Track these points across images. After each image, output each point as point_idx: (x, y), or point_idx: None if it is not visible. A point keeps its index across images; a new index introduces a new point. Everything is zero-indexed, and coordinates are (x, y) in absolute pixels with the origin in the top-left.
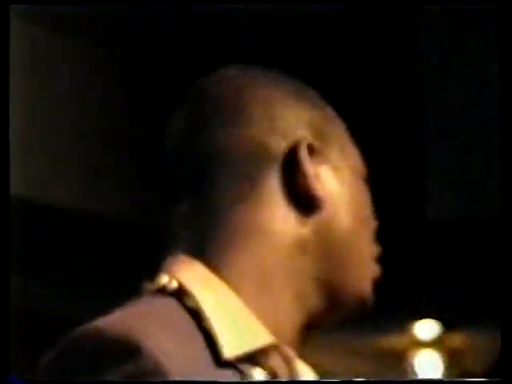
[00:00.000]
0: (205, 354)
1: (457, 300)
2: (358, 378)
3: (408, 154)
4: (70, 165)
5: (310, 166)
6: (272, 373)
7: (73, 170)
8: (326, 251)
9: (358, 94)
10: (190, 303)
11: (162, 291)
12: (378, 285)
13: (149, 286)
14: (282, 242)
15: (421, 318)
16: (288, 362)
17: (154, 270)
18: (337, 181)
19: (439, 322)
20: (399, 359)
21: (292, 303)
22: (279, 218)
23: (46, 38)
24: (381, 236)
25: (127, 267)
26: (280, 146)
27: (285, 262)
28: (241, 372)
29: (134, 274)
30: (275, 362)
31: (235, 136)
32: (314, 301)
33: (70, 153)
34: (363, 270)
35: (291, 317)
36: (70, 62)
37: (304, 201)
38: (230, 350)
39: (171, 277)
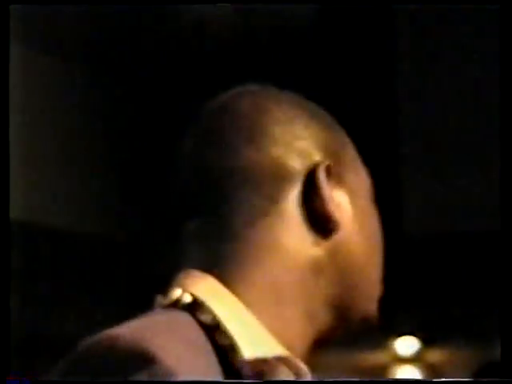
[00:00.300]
0: (216, 366)
1: (436, 316)
2: None
3: (385, 166)
4: (73, 188)
5: (327, 188)
6: None
7: (75, 193)
8: (339, 272)
9: (333, 101)
10: (203, 317)
11: (175, 305)
12: None
13: (161, 300)
14: (297, 261)
15: (400, 335)
16: (299, 375)
17: (158, 287)
18: (351, 203)
19: (419, 339)
20: (380, 375)
21: (303, 320)
22: (295, 237)
23: (43, 59)
24: None
25: (129, 286)
26: (299, 166)
27: (298, 281)
28: None
29: (135, 292)
30: (286, 375)
31: (254, 154)
32: (325, 318)
33: (73, 174)
34: (372, 290)
35: (302, 333)
36: (68, 80)
37: (321, 222)
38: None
39: (184, 291)
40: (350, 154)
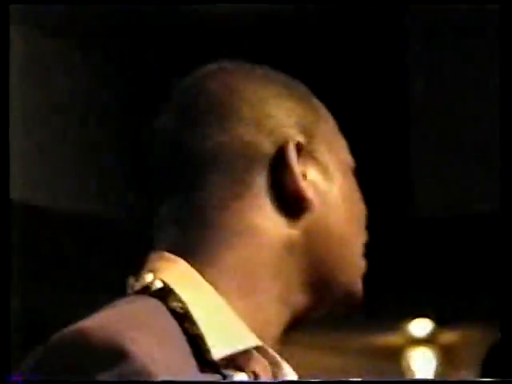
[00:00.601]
0: (189, 358)
1: (449, 298)
2: (354, 375)
3: (395, 151)
4: (67, 167)
5: (297, 166)
6: (255, 377)
7: (70, 172)
8: (316, 251)
9: (348, 89)
10: (174, 304)
11: (146, 290)
12: (374, 284)
13: (133, 284)
14: (270, 242)
15: (414, 317)
16: (272, 365)
17: (139, 266)
18: (326, 179)
19: (432, 320)
20: (394, 356)
21: (277, 302)
22: (269, 219)
23: (43, 40)
24: (372, 235)
25: (124, 266)
26: (268, 145)
27: (272, 262)
28: (225, 376)
29: (131, 273)
30: (259, 365)
31: (224, 136)
32: (301, 299)
33: (67, 155)
34: (353, 266)
35: (276, 316)
36: (66, 65)
37: (293, 202)
38: (216, 352)
39: (156, 276)
40: (325, 126)
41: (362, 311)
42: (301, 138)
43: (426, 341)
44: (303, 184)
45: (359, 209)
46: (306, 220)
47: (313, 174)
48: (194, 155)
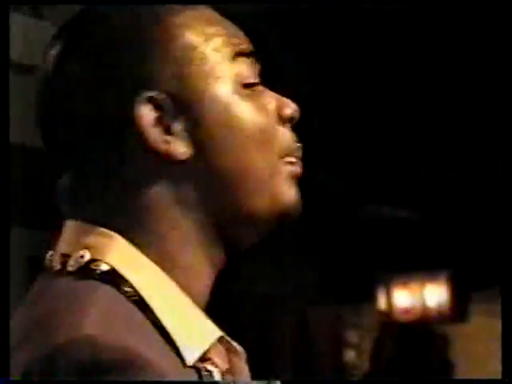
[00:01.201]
0: (173, 357)
1: None
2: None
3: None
4: None
5: (152, 127)
6: (216, 366)
7: None
8: (218, 192)
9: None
10: (127, 291)
11: (87, 271)
12: None
13: (60, 260)
14: (161, 200)
15: None
16: (229, 352)
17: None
18: (202, 116)
19: None
20: None
21: (204, 262)
22: (154, 182)
23: None
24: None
25: None
26: (126, 109)
27: (176, 222)
28: (198, 370)
29: None
30: (217, 353)
31: (94, 104)
32: (223, 245)
33: None
34: (274, 185)
35: (206, 273)
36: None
37: (165, 160)
38: (190, 357)
39: (94, 255)
40: (209, 48)
41: None
42: (155, 91)
43: None
44: (163, 145)
45: (256, 125)
46: (192, 169)
47: (181, 123)
48: (77, 126)
